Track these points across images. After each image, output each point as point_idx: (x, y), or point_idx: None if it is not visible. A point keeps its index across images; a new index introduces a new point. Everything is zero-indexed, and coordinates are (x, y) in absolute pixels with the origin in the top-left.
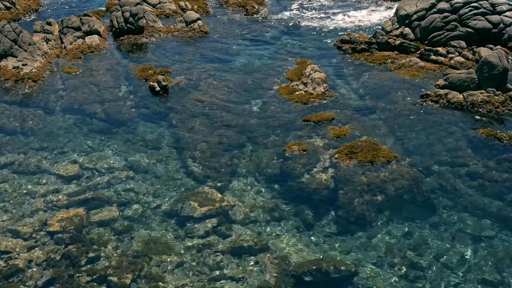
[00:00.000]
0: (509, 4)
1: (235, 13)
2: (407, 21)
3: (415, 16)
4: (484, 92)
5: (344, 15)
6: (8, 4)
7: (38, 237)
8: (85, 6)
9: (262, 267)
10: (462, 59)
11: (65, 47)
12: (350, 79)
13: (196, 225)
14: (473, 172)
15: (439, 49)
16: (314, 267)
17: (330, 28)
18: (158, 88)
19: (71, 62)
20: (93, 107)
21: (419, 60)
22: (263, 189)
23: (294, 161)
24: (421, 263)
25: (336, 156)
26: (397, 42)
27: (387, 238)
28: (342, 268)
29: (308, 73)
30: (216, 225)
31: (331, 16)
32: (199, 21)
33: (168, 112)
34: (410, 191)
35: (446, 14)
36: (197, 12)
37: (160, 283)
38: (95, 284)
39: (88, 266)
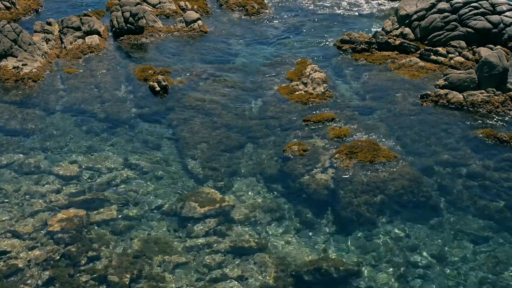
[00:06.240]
0: (509, 4)
1: (235, 13)
2: (407, 21)
3: (415, 16)
4: (484, 92)
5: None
6: (8, 4)
7: (38, 237)
8: (84, 6)
9: (262, 267)
10: (462, 59)
11: (65, 47)
12: (350, 79)
13: (196, 225)
14: (473, 172)
15: (439, 49)
16: (314, 267)
17: (330, 28)
18: (158, 88)
19: (71, 62)
20: (93, 107)
21: (419, 60)
22: (263, 189)
23: (294, 161)
24: (421, 263)
25: (336, 156)
26: (397, 42)
27: (387, 238)
28: (342, 268)
29: (308, 73)
30: (216, 225)
31: (331, 16)
32: (199, 21)
33: (168, 112)
34: (410, 191)
35: (446, 14)
36: (197, 12)
37: (160, 283)
38: (95, 284)
39: (88, 266)
